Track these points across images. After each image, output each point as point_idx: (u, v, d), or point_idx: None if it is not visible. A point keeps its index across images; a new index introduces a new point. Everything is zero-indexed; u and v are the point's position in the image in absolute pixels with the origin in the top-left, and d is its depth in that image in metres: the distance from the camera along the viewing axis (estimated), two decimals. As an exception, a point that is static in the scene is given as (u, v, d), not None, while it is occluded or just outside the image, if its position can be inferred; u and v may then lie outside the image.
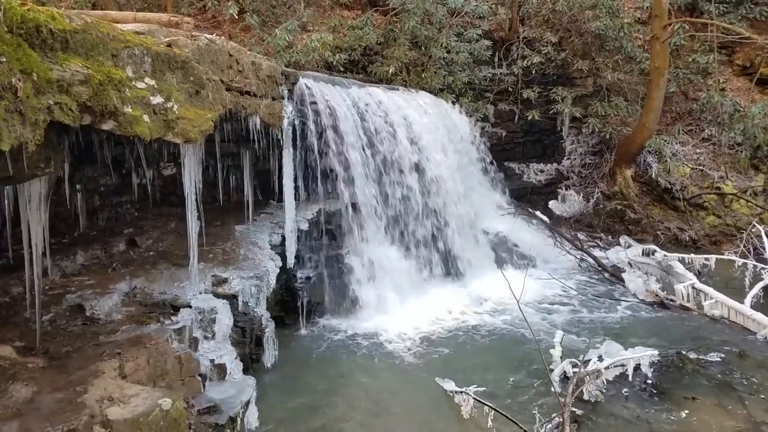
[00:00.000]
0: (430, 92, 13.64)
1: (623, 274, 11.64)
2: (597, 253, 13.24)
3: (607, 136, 15.57)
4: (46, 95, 4.25)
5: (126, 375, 5.42)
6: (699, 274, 11.23)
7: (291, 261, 9.70)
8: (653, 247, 12.41)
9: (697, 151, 15.43)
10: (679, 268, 11.19)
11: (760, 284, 10.39)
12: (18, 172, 4.62)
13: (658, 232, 14.35)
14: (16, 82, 3.93)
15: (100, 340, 6.01)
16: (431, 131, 12.08)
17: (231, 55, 7.46)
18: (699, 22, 15.57)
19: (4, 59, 3.90)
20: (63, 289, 7.13)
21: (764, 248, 11.89)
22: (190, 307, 7.03)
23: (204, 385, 6.31)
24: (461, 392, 6.93)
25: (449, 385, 7.23)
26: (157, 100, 5.46)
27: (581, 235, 14.40)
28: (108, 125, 4.99)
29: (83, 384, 5.08)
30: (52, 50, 4.41)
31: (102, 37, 4.96)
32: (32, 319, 6.18)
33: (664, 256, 11.80)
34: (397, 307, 10.03)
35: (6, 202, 6.64)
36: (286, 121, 9.14)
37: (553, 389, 6.79)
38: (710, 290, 10.13)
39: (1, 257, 7.60)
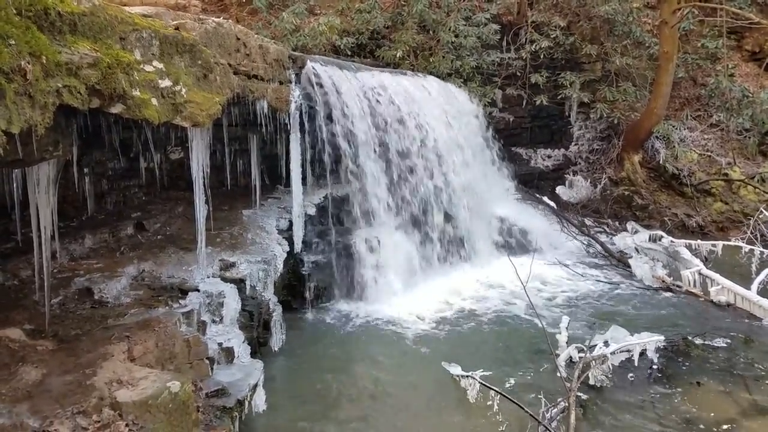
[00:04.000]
0: (438, 77, 13.55)
1: (630, 260, 11.61)
2: (604, 238, 13.23)
3: (615, 122, 15.51)
4: (55, 78, 4.24)
5: (134, 358, 5.45)
6: (706, 260, 11.20)
7: (298, 246, 9.72)
8: (660, 233, 12.37)
9: (705, 137, 15.34)
10: (686, 254, 11.16)
11: (767, 270, 10.36)
12: (27, 155, 4.63)
13: (666, 218, 14.30)
14: (25, 64, 3.92)
15: (109, 324, 6.04)
16: (439, 116, 12.04)
17: (238, 39, 7.43)
18: (708, 6, 15.37)
19: (13, 42, 3.89)
20: (71, 272, 7.15)
21: (771, 235, 11.86)
22: (198, 290, 7.05)
23: (212, 369, 6.33)
24: (467, 376, 6.95)
25: (455, 370, 7.26)
26: (165, 83, 5.45)
27: (588, 221, 14.37)
28: (117, 108, 4.99)
29: (92, 367, 5.12)
30: (60, 33, 4.40)
31: (110, 20, 4.94)
32: (41, 302, 6.21)
33: (671, 242, 11.76)
34: (405, 291, 10.05)
35: (15, 185, 6.66)
36: (293, 105, 9.11)
37: (558, 374, 6.81)
38: (717, 276, 10.11)
39: (10, 240, 7.62)
